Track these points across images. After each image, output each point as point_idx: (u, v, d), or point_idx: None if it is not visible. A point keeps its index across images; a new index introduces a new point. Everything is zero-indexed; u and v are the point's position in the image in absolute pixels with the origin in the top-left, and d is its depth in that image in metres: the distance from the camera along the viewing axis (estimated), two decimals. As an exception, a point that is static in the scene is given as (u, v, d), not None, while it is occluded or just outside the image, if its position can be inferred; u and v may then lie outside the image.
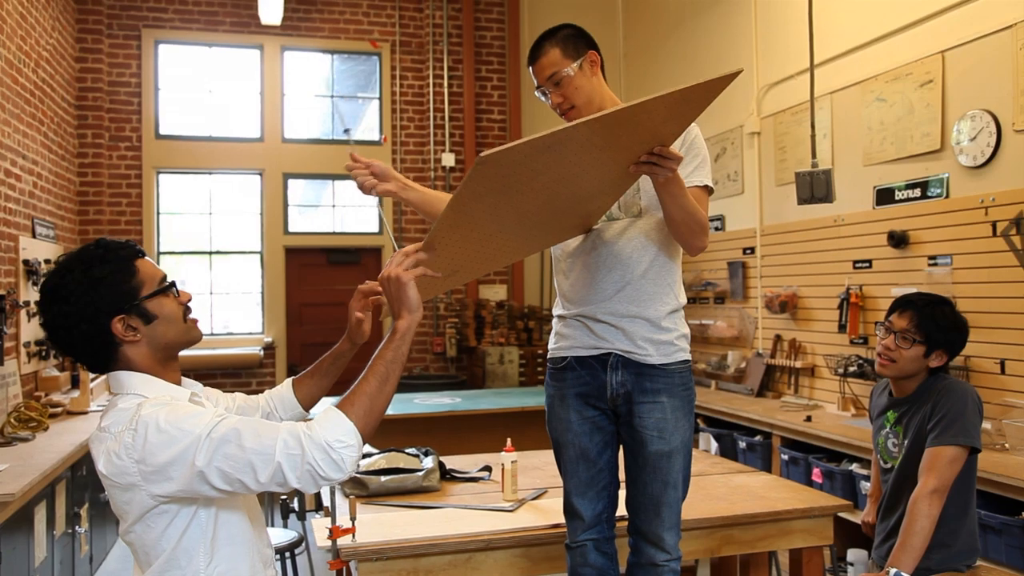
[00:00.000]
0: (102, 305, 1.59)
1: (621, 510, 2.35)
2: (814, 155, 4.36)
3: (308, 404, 2.03)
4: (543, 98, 2.26)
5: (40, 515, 3.52)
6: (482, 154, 1.59)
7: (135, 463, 1.52)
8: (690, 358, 2.29)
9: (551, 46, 2.19)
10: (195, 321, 1.73)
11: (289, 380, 2.04)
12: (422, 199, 2.29)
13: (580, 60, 2.18)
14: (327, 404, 1.67)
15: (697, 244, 2.17)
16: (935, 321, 2.51)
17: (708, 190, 2.21)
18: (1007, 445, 3.46)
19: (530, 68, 2.24)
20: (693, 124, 2.23)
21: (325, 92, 7.76)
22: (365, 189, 2.21)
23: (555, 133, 1.68)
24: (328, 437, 1.52)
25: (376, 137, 7.65)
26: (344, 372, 2.03)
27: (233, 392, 2.03)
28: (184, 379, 1.77)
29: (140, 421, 1.53)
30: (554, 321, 2.39)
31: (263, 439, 1.51)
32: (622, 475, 2.34)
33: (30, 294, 5.10)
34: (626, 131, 1.77)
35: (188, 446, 1.50)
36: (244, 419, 1.57)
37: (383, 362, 1.62)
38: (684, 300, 2.31)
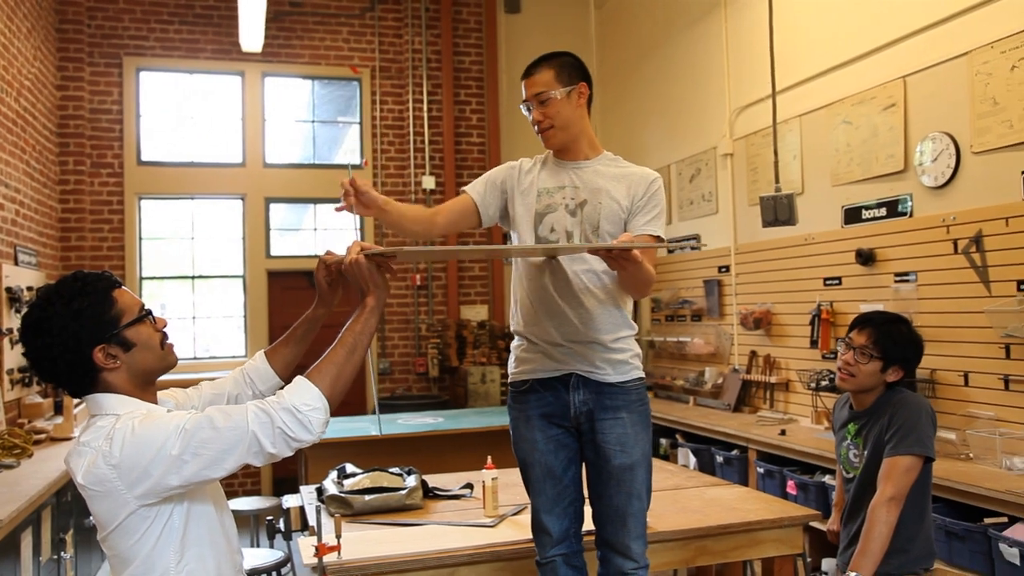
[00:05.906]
0: (83, 336, 1.67)
1: (588, 525, 2.45)
2: (777, 179, 4.48)
3: (285, 372, 2.05)
4: (526, 112, 2.39)
5: (26, 541, 3.55)
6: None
7: (112, 468, 1.61)
8: (644, 375, 2.46)
9: (548, 67, 2.34)
10: (171, 346, 1.82)
11: (261, 352, 2.08)
12: (396, 221, 2.30)
13: (570, 88, 2.33)
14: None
15: (641, 296, 2.38)
16: (892, 338, 2.63)
17: (659, 239, 2.32)
18: (971, 455, 3.57)
19: (522, 82, 2.38)
20: (657, 176, 2.38)
21: (306, 117, 7.86)
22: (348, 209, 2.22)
23: (554, 248, 1.92)
24: (295, 402, 1.65)
25: (357, 161, 7.74)
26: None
27: (199, 384, 2.03)
28: (160, 397, 1.86)
29: (116, 431, 1.63)
30: (514, 343, 2.48)
31: (233, 417, 1.63)
32: (586, 491, 2.45)
33: (13, 321, 5.12)
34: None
35: (164, 442, 1.60)
36: (210, 407, 1.68)
37: (351, 333, 1.76)
38: (636, 328, 2.47)
